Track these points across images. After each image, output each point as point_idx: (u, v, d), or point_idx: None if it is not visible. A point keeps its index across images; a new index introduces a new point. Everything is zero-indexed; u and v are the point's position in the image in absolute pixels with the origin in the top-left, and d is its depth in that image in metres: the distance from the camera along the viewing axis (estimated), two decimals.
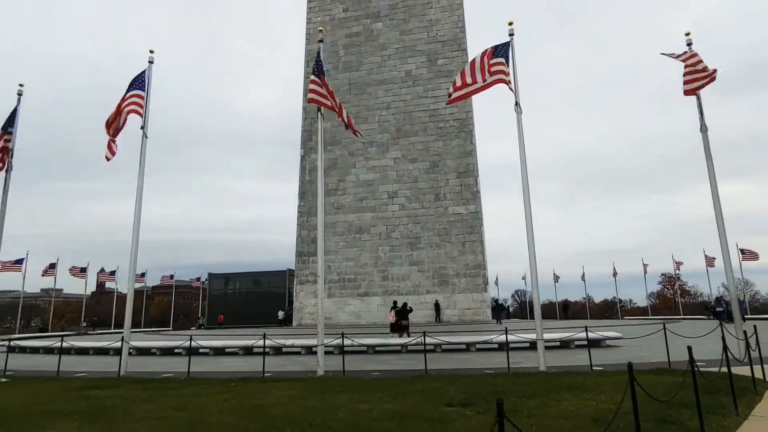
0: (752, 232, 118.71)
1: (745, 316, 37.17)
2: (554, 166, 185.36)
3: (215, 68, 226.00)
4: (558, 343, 14.44)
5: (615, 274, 54.46)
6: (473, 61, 11.90)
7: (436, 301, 34.41)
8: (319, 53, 13.77)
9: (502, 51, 11.73)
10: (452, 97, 12.01)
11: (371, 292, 36.32)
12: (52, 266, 43.75)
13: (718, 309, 31.97)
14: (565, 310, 56.55)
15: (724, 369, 7.31)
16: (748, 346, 9.99)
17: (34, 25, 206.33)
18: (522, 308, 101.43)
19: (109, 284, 53.05)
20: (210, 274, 45.94)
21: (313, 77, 12.75)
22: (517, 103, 12.26)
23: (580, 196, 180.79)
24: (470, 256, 35.35)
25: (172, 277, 45.45)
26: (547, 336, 14.84)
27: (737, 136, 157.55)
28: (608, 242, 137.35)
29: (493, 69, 11.52)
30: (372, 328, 29.12)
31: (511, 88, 11.95)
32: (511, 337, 12.58)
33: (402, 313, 21.43)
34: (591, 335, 14.50)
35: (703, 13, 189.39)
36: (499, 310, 52.11)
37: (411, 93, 39.26)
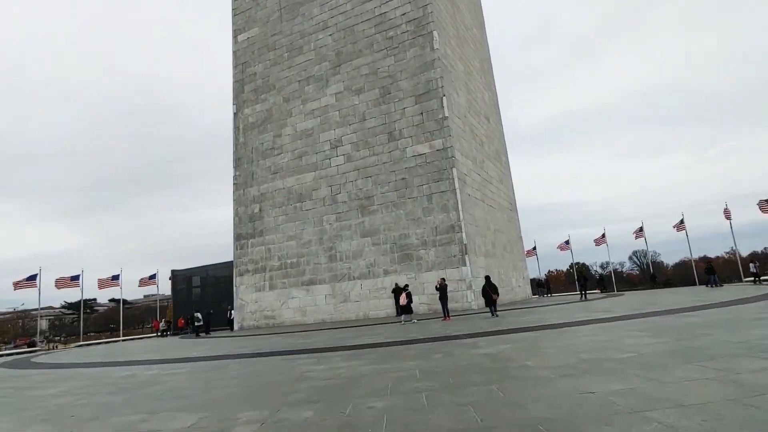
0: None
1: None
2: (628, 106, 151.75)
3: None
4: None
5: (681, 229, 36.45)
6: None
7: (396, 285, 23.34)
8: None
9: None
10: None
11: (317, 279, 26.65)
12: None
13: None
14: (653, 279, 40.44)
15: None
16: None
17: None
18: (643, 273, 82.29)
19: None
20: (173, 272, 39.89)
21: None
22: None
23: (679, 136, 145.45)
24: (439, 215, 23.71)
25: (152, 277, 40.24)
26: None
27: None
28: (745, 185, 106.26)
29: None
30: (322, 331, 19.96)
31: None
32: None
33: (491, 286, 16.92)
34: None
35: None
36: (537, 287, 39.73)
37: (352, 1, 28.29)
